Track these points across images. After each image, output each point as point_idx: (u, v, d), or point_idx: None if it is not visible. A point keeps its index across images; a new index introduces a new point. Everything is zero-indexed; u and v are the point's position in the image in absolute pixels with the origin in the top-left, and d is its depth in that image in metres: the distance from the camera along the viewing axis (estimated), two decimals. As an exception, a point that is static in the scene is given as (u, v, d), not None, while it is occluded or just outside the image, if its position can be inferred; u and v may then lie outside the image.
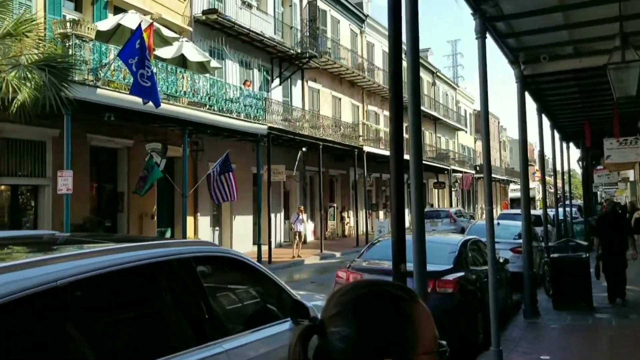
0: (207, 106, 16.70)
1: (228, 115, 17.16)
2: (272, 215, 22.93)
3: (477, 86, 5.91)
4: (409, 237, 3.68)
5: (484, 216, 31.77)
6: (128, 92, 12.05)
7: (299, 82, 25.38)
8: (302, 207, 21.66)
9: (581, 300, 8.47)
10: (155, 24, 14.41)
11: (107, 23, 13.43)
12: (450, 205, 40.50)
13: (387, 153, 26.61)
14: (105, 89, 12.21)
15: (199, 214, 18.63)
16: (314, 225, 26.04)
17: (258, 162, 17.64)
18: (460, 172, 40.69)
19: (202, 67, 16.75)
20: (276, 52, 22.65)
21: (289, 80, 24.37)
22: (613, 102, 10.89)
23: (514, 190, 42.81)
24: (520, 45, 7.41)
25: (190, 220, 18.32)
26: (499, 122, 62.96)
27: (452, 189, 40.02)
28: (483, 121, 6.10)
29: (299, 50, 23.57)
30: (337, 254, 20.10)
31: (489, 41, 6.89)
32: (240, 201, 20.50)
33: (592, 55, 7.49)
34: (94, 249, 2.79)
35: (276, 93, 23.37)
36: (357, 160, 24.33)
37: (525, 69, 7.96)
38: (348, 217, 28.62)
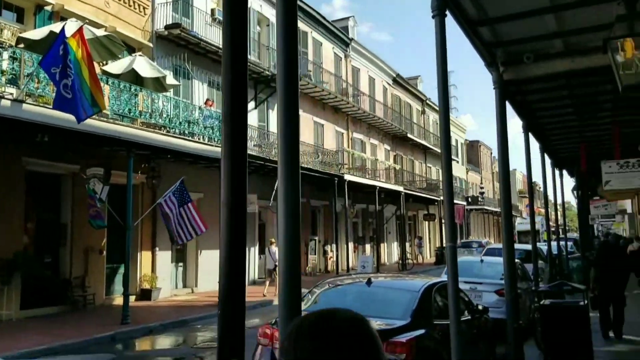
0: (167, 128, 15.22)
1: (189, 138, 15.65)
2: (246, 250, 21.29)
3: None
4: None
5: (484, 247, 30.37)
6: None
7: (277, 106, 23.96)
8: (274, 239, 19.90)
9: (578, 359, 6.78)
10: (94, 30, 12.96)
11: (40, 32, 11.95)
12: (441, 239, 38.79)
13: (373, 183, 25.13)
14: (30, 104, 10.65)
15: (157, 248, 16.87)
16: (292, 259, 24.28)
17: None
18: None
19: (159, 85, 15.29)
20: (251, 72, 21.28)
21: (266, 103, 23.00)
22: (613, 118, 9.41)
23: (521, 224, 42.51)
24: (497, 38, 5.92)
25: (147, 255, 16.64)
26: (491, 153, 61.75)
27: (444, 221, 38.31)
28: (442, 129, 4.52)
29: (275, 72, 22.20)
30: (313, 292, 18.21)
31: (466, 44, 5.42)
32: (207, 234, 18.79)
33: (588, 53, 6.00)
34: None
35: (251, 117, 21.93)
36: (338, 190, 22.75)
37: (506, 71, 6.45)
38: (331, 251, 26.85)
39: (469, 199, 48.11)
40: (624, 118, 9.38)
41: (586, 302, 7.12)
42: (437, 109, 38.71)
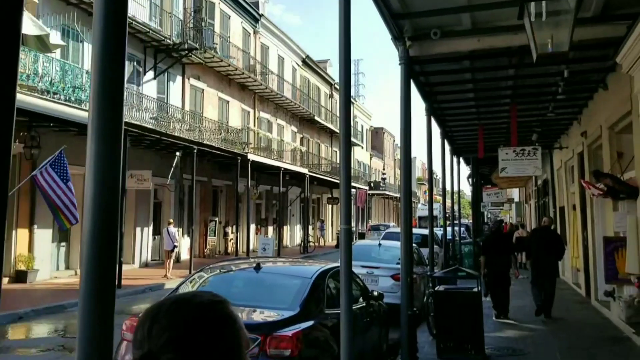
0: (51, 93, 13.78)
1: (76, 106, 14.26)
2: (138, 230, 20.08)
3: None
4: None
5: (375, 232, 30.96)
6: None
7: (179, 78, 22.69)
8: (172, 220, 18.94)
9: (471, 347, 6.72)
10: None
11: None
12: (343, 222, 39.21)
13: (278, 164, 24.51)
14: None
15: (35, 226, 15.29)
16: (190, 241, 23.26)
17: (109, 163, 14.70)
18: (355, 187, 39.58)
19: (43, 45, 13.72)
20: (150, 40, 19.87)
21: (166, 75, 21.65)
22: (511, 106, 9.52)
23: (422, 210, 44.49)
24: (406, 9, 5.58)
25: (23, 233, 15.03)
26: (394, 140, 63.40)
27: (346, 205, 38.71)
28: (342, 102, 4.08)
29: (177, 41, 20.90)
30: (208, 274, 17.53)
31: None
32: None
33: (495, 32, 5.82)
34: None
35: (150, 88, 20.55)
36: (240, 170, 21.94)
37: (412, 46, 6.15)
38: (232, 232, 26.07)
39: (372, 184, 49.09)
40: (522, 107, 9.53)
41: (479, 288, 7.10)
42: (345, 92, 38.51)
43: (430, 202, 9.74)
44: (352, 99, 48.53)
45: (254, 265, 5.16)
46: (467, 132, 12.84)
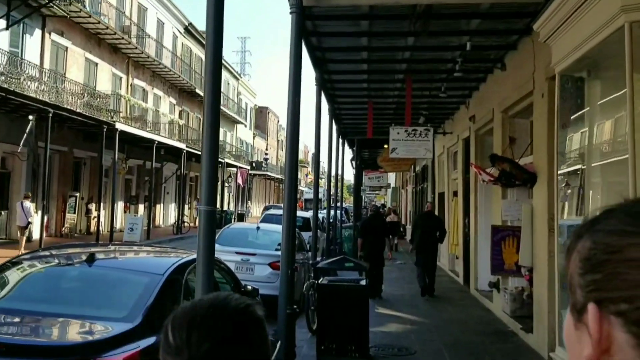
0: None
1: None
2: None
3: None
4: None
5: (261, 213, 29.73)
6: None
7: (38, 31, 19.76)
8: (30, 193, 16.73)
9: (355, 348, 5.93)
10: None
11: None
12: (222, 202, 37.64)
13: (153, 136, 22.38)
14: None
15: None
16: (47, 218, 20.56)
17: None
18: (235, 166, 38.19)
19: None
20: (2, -16, 16.95)
21: (22, 26, 18.71)
22: (406, 79, 8.87)
23: (309, 193, 43.74)
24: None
25: None
26: (278, 121, 62.58)
27: (226, 184, 37.24)
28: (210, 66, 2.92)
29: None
30: (61, 257, 15.50)
31: None
32: None
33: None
34: None
35: (0, 39, 17.61)
36: (107, 140, 19.64)
37: (306, -7, 5.13)
38: (96, 210, 23.53)
39: (253, 164, 47.90)
40: (415, 85, 8.93)
41: (367, 280, 6.33)
42: (230, 69, 36.68)
43: (316, 183, 8.89)
44: (237, 74, 46.84)
45: (87, 256, 3.82)
46: (356, 111, 12.18)
